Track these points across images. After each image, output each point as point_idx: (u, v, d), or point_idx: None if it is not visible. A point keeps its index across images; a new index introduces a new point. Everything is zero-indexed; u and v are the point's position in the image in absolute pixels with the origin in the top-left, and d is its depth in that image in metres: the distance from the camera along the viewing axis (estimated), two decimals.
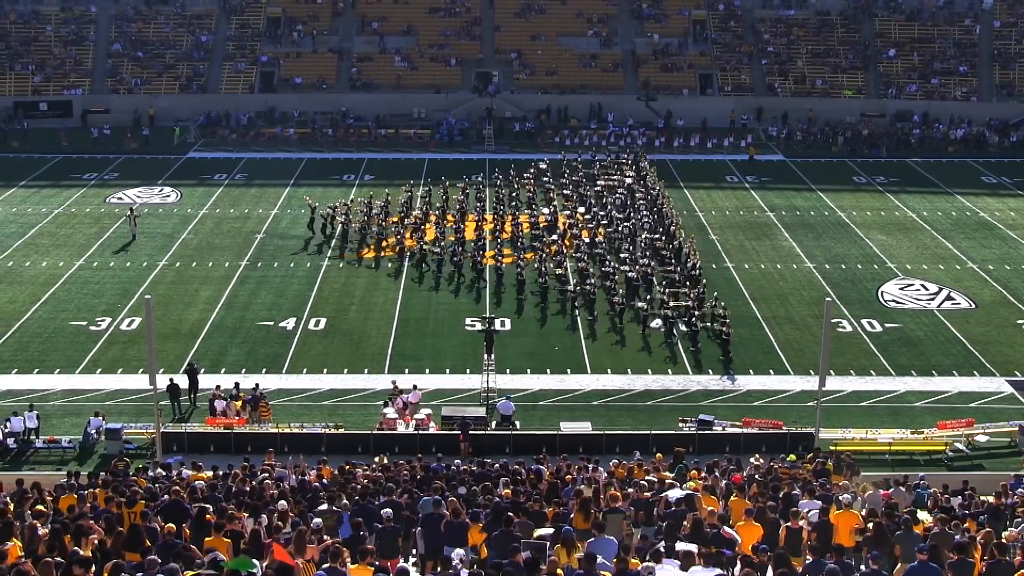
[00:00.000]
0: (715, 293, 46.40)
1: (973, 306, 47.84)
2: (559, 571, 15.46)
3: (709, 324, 44.14)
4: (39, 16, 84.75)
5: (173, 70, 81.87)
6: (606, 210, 57.76)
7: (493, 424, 36.36)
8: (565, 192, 60.80)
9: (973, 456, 35.22)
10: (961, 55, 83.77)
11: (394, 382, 38.14)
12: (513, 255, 51.61)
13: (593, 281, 47.82)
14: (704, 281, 47.71)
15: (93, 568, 15.30)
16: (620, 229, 54.32)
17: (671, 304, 45.25)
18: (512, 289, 48.47)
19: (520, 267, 48.99)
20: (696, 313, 44.25)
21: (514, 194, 60.79)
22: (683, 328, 44.33)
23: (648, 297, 46.66)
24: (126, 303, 46.90)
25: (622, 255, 50.98)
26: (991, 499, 25.47)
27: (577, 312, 46.02)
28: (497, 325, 40.63)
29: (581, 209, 58.10)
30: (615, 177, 63.20)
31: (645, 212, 56.58)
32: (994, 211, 62.11)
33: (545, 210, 57.84)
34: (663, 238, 53.05)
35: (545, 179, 63.13)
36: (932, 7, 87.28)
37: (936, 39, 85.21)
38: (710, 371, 41.28)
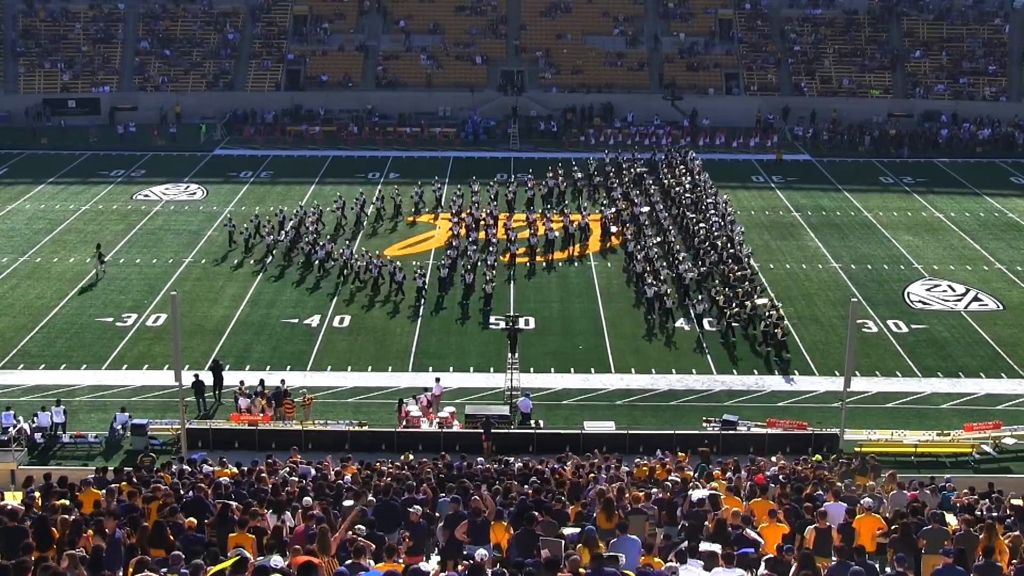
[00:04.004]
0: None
1: (1001, 307, 47.45)
2: (581, 570, 15.43)
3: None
4: (68, 14, 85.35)
5: (200, 68, 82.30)
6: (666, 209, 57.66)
7: (516, 422, 36.37)
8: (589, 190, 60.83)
9: (1000, 459, 34.97)
10: (990, 55, 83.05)
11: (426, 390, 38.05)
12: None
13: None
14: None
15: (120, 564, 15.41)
16: (695, 229, 53.90)
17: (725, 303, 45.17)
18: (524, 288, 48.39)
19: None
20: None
21: (493, 195, 59.79)
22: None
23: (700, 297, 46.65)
24: (152, 299, 47.18)
25: (683, 255, 50.81)
26: (1019, 502, 25.24)
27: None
28: (521, 324, 40.60)
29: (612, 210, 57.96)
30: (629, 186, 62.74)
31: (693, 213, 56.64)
32: (1023, 212, 61.56)
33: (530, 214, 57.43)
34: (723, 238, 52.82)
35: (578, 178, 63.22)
36: (961, 7, 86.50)
37: (965, 39, 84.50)
38: (734, 371, 41.17)
